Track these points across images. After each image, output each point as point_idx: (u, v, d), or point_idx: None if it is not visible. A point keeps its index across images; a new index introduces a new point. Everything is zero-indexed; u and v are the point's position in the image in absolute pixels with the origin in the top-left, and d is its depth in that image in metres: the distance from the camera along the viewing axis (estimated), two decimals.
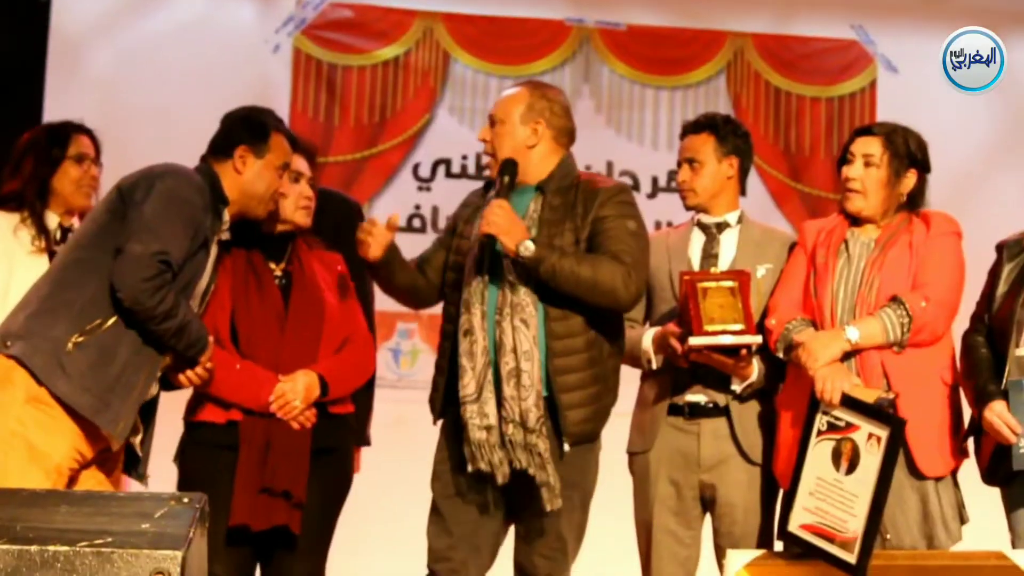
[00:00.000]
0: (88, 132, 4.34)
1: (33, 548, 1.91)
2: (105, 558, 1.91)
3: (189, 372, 3.65)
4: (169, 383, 3.74)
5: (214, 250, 3.71)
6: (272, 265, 3.92)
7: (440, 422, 3.97)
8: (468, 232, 3.92)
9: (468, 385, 3.77)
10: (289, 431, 3.76)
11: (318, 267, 3.99)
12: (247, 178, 3.75)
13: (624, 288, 3.76)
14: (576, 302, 3.77)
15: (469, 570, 3.88)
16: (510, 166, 3.85)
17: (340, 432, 3.95)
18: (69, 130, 4.31)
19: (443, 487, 3.90)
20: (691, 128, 4.20)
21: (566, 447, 3.78)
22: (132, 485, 3.89)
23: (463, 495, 3.86)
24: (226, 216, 3.74)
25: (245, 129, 3.81)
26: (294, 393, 3.76)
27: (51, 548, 1.91)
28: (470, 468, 3.79)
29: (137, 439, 3.63)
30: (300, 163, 3.95)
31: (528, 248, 3.71)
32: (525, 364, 3.72)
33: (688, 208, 4.19)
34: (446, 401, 3.88)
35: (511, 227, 3.74)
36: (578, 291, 3.75)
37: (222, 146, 3.79)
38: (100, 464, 3.58)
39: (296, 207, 3.94)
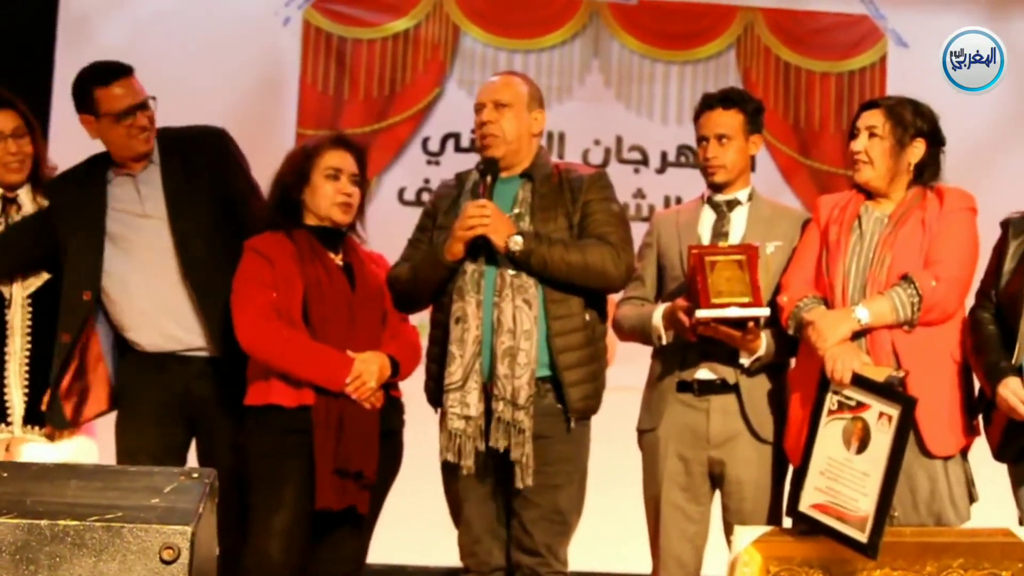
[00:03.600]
0: (11, 105, 4.19)
1: (43, 523, 1.91)
2: (115, 532, 1.91)
3: None
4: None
5: None
6: (331, 255, 3.93)
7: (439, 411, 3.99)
8: (449, 223, 3.94)
9: (454, 373, 3.83)
10: (360, 412, 3.79)
11: (368, 262, 4.04)
12: None
13: (614, 267, 3.90)
14: (571, 285, 3.86)
15: (494, 556, 3.96)
16: (493, 165, 3.93)
17: (399, 415, 4.02)
18: None
19: (452, 481, 3.95)
20: (718, 103, 4.11)
21: (572, 424, 3.89)
22: None
23: (472, 487, 3.92)
24: None
25: None
26: (369, 373, 3.79)
27: (61, 523, 1.92)
28: (440, 458, 3.86)
29: None
30: (339, 159, 3.93)
31: (517, 243, 3.82)
32: (524, 343, 3.80)
33: (715, 185, 4.13)
34: (440, 390, 3.90)
35: (498, 225, 3.83)
36: (570, 276, 3.86)
37: None
38: None
39: (332, 203, 3.92)
